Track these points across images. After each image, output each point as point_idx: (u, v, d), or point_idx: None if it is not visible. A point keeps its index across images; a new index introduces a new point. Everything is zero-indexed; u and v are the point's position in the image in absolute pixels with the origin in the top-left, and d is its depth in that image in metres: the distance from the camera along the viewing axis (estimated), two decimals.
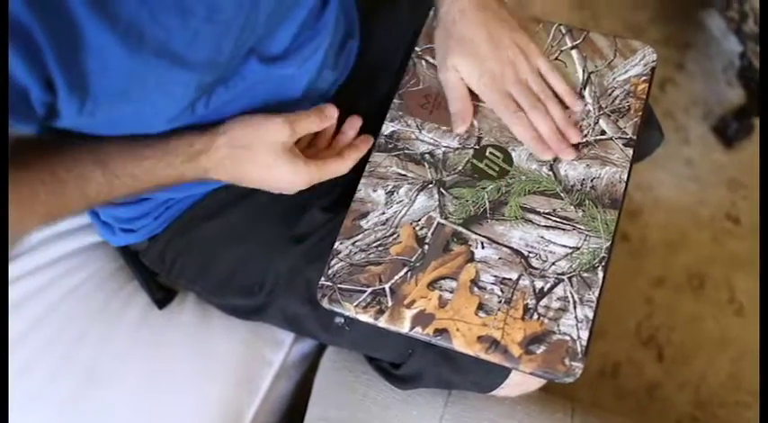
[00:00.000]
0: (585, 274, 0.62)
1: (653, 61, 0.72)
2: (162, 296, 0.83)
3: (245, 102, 0.60)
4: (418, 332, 0.60)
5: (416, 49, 0.73)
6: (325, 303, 0.62)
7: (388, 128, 0.69)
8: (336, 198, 0.74)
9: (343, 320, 0.72)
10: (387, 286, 0.62)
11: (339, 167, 0.65)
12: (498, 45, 0.67)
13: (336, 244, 0.64)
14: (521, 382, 0.72)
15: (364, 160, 0.67)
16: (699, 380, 1.21)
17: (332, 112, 0.64)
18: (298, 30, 0.60)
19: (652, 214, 1.33)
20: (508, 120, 0.67)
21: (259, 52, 0.56)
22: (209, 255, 0.75)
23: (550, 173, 0.66)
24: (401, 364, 0.75)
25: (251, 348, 0.82)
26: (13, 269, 0.82)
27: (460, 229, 0.64)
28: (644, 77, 0.72)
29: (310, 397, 0.82)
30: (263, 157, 0.59)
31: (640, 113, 0.69)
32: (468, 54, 0.66)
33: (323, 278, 0.63)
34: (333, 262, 0.63)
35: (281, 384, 0.85)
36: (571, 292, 0.62)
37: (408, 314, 0.60)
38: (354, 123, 0.68)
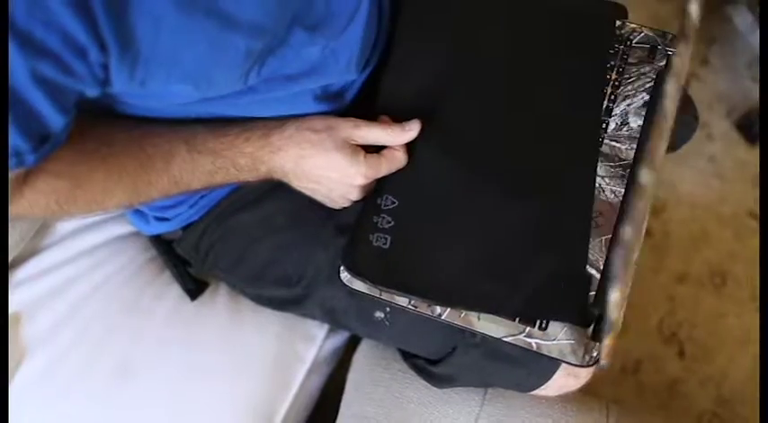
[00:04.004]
0: None
1: None
2: (194, 287, 0.82)
3: (294, 70, 0.60)
4: None
5: None
6: None
7: None
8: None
9: (383, 315, 0.71)
10: None
11: (396, 156, 0.63)
12: None
13: None
14: (562, 384, 0.71)
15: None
16: (720, 377, 1.21)
17: (413, 126, 0.62)
18: None
19: (675, 210, 1.32)
20: None
21: (300, 19, 0.55)
22: (246, 244, 0.74)
23: None
24: (439, 361, 0.74)
25: (284, 343, 0.81)
26: (42, 262, 0.81)
27: None
28: None
29: (344, 393, 0.81)
30: (326, 143, 0.60)
31: None
32: None
33: None
34: None
35: (312, 379, 0.84)
36: None
37: None
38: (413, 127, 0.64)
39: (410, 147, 0.64)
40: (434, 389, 0.77)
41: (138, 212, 0.76)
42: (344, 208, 0.69)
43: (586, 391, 0.82)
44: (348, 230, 0.65)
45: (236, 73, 0.53)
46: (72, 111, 0.48)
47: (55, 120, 0.46)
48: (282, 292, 0.75)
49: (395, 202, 0.64)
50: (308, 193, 0.65)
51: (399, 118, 0.64)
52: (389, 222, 0.64)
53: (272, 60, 0.55)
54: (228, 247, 0.74)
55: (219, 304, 0.82)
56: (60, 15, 0.40)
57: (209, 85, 0.53)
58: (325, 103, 0.65)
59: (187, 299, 0.81)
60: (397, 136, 0.62)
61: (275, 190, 0.71)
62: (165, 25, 0.45)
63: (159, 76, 0.48)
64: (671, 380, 1.21)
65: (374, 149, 0.63)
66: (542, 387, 0.71)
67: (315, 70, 0.60)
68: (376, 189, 0.65)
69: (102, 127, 0.57)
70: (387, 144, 0.63)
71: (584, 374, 0.72)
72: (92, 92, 0.47)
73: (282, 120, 0.62)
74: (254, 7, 0.49)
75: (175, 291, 0.82)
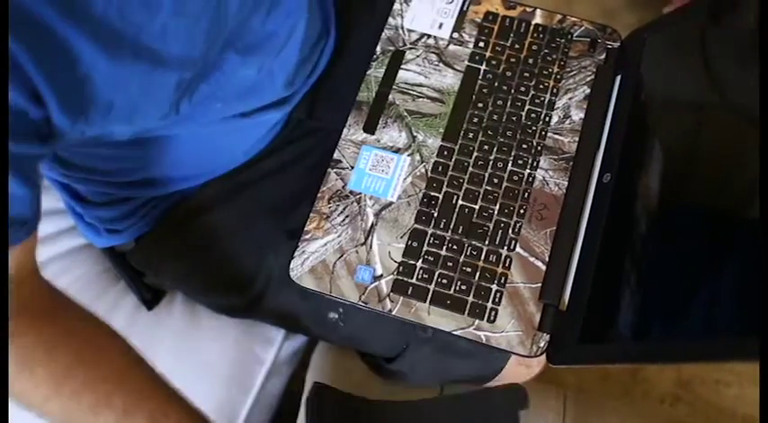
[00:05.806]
0: None
1: None
2: (151, 296, 0.82)
3: (228, 94, 0.59)
4: None
5: None
6: None
7: None
8: None
9: (336, 316, 0.72)
10: None
11: None
12: None
13: None
14: (515, 374, 0.73)
15: None
16: None
17: None
18: (270, 16, 0.59)
19: None
20: None
21: (233, 43, 0.56)
22: (198, 253, 0.74)
23: None
24: (393, 358, 0.75)
25: (242, 347, 0.82)
26: None
27: None
28: None
29: (304, 393, 0.82)
30: None
31: None
32: None
33: None
34: None
35: (272, 382, 0.85)
36: None
37: None
38: None
39: None
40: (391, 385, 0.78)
41: (89, 225, 0.76)
42: (294, 213, 0.70)
43: (549, 381, 0.84)
44: (297, 235, 0.65)
45: (166, 104, 0.53)
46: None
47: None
48: (236, 300, 0.75)
49: None
50: None
51: None
52: None
53: (203, 87, 0.55)
54: (181, 257, 0.74)
55: (176, 312, 0.82)
56: None
57: (144, 118, 0.53)
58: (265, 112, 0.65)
59: (143, 308, 0.81)
60: None
61: (225, 198, 0.71)
62: (97, 73, 0.45)
63: (96, 120, 0.49)
64: (633, 366, 1.23)
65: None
66: (496, 379, 0.73)
67: (250, 92, 0.60)
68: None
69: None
70: None
71: (536, 364, 0.74)
72: (38, 151, 0.46)
73: None
74: (180, 41, 0.49)
75: (131, 301, 0.82)
